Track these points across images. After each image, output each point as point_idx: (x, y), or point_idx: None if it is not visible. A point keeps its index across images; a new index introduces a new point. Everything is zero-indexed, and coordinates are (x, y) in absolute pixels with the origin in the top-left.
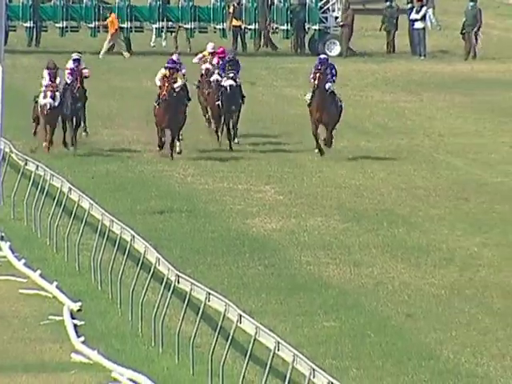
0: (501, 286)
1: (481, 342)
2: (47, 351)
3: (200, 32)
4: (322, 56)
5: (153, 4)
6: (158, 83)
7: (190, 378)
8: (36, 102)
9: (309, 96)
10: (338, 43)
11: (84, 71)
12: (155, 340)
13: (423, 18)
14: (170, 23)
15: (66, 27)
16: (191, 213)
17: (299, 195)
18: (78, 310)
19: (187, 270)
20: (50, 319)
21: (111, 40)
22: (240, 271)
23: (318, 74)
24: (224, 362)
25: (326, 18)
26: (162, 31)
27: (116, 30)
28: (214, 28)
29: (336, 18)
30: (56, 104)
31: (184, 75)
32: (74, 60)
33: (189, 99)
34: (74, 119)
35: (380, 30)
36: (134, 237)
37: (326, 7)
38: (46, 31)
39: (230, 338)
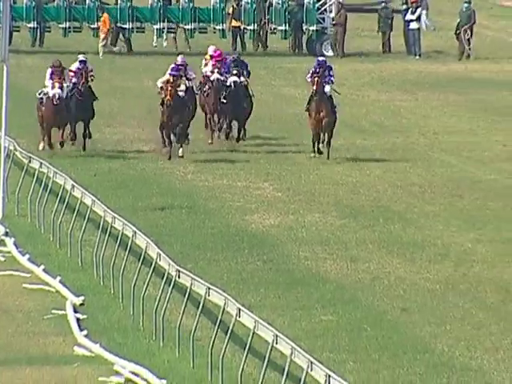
0: (494, 281)
1: (475, 336)
2: (51, 344)
3: (200, 32)
4: (321, 58)
5: (154, 5)
6: (160, 85)
7: (190, 371)
8: (41, 103)
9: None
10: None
11: (90, 73)
12: (156, 334)
13: (418, 19)
14: (171, 24)
15: (69, 28)
16: (191, 209)
17: (297, 192)
18: (81, 305)
19: (187, 265)
20: (53, 313)
21: (105, 39)
22: (239, 266)
23: (316, 79)
24: (223, 355)
25: (323, 19)
26: (162, 32)
27: (108, 29)
28: (214, 28)
29: (333, 19)
30: (64, 95)
31: (191, 79)
32: (80, 61)
33: (195, 104)
34: (81, 119)
35: (378, 31)
36: (135, 233)
37: (323, 8)
38: (49, 32)
39: (230, 331)
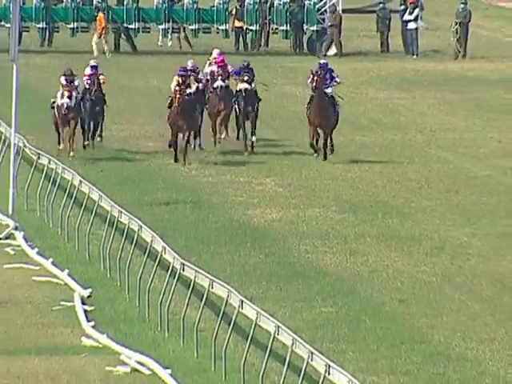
0: (489, 273)
1: (470, 327)
2: (59, 335)
3: (204, 32)
4: (322, 61)
5: (159, 6)
6: (173, 89)
7: (194, 361)
8: (53, 108)
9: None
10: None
11: (101, 77)
12: (161, 325)
13: (416, 19)
14: (176, 24)
15: (77, 28)
16: (195, 204)
17: (298, 187)
18: (88, 297)
19: (192, 259)
20: (61, 305)
21: (104, 38)
22: (242, 259)
23: (315, 78)
24: (227, 346)
25: (324, 20)
26: (167, 32)
27: (103, 28)
28: (217, 29)
29: (328, 20)
30: (72, 104)
31: (200, 81)
32: (92, 67)
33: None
34: (92, 123)
35: (376, 31)
36: (141, 227)
37: (323, 9)
38: (57, 32)
39: (233, 322)
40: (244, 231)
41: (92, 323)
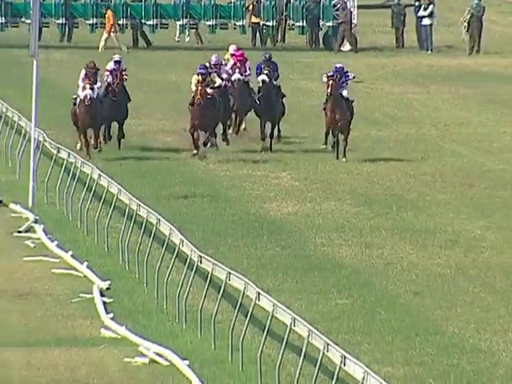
0: (503, 266)
1: (484, 319)
2: (78, 327)
3: (221, 28)
4: (338, 65)
5: (177, 2)
6: (194, 88)
7: (211, 352)
8: (74, 104)
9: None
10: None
11: (124, 73)
12: (179, 316)
13: (430, 15)
14: (193, 20)
15: (96, 24)
16: (213, 198)
17: (314, 181)
18: (107, 289)
19: (209, 251)
20: (80, 297)
21: (113, 34)
22: (258, 252)
23: (330, 82)
24: (243, 337)
25: (339, 15)
26: (185, 28)
27: (112, 25)
28: (234, 25)
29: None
30: (95, 95)
31: (224, 78)
32: (115, 61)
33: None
34: (115, 119)
35: (391, 27)
36: (159, 220)
37: (339, 5)
38: (77, 27)
39: (249, 314)
40: (261, 224)
41: (111, 315)
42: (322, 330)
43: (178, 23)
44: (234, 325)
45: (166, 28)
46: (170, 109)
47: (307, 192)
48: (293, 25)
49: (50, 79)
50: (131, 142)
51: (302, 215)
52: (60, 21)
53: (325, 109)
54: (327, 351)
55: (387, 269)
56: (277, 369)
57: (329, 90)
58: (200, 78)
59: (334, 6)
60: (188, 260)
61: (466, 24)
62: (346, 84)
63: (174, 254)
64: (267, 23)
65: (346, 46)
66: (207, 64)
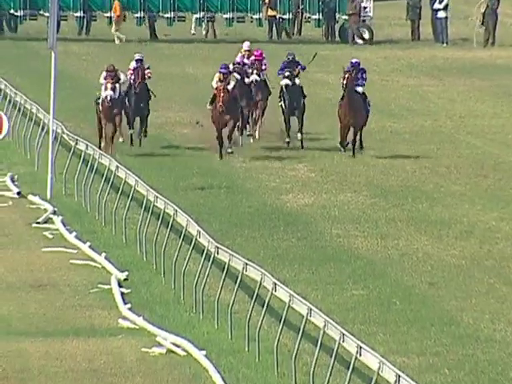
0: None
1: (498, 309)
2: (96, 317)
3: (238, 22)
4: (354, 60)
5: None
6: (215, 86)
7: (228, 342)
8: (97, 104)
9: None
10: (366, 32)
11: (146, 71)
12: (196, 307)
13: (445, 8)
14: (210, 13)
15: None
16: (230, 189)
17: (330, 173)
18: (125, 279)
19: (226, 242)
20: (99, 287)
21: (116, 26)
22: (275, 243)
23: (346, 75)
24: (260, 327)
25: (348, 8)
26: (202, 20)
27: (118, 16)
28: (251, 18)
29: (364, 8)
30: (116, 96)
31: (265, 69)
32: (137, 60)
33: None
34: (139, 119)
35: (406, 20)
36: (176, 211)
37: None
38: (95, 20)
39: (266, 305)
40: (277, 216)
41: (128, 305)
42: (338, 320)
43: (195, 16)
44: (250, 315)
45: (184, 21)
46: (188, 101)
47: (323, 183)
48: (309, 17)
49: (68, 72)
50: (149, 133)
51: (318, 206)
52: (78, 14)
53: (340, 105)
54: (343, 341)
55: (403, 260)
56: (293, 359)
57: (344, 82)
58: (221, 76)
59: None
60: (205, 251)
61: (480, 17)
62: (364, 80)
63: (191, 245)
64: (283, 16)
65: (363, 38)
66: (238, 58)
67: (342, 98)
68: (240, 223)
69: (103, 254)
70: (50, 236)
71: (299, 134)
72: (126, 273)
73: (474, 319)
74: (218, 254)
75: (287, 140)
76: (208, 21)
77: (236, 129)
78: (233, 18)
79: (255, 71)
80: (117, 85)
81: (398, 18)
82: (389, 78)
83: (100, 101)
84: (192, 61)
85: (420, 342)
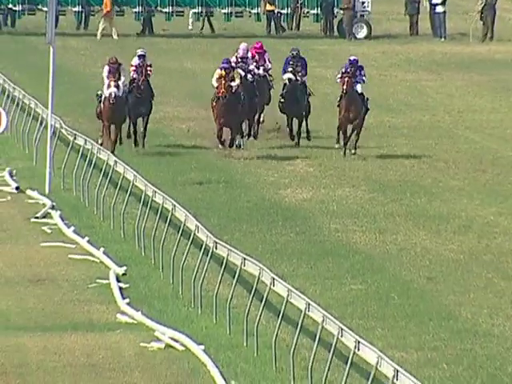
0: None
1: (497, 304)
2: (95, 312)
3: (236, 16)
4: (352, 58)
5: None
6: (215, 84)
7: (226, 337)
8: (100, 102)
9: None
10: (365, 26)
11: (148, 68)
12: (194, 302)
13: (444, 3)
14: (208, 8)
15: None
16: (228, 184)
17: (328, 167)
18: (123, 274)
19: (224, 237)
20: (97, 282)
21: (105, 22)
22: (273, 238)
23: (346, 79)
24: (258, 322)
25: (342, 1)
26: (200, 15)
27: (108, 11)
28: (249, 12)
29: (363, 2)
30: (120, 94)
31: (269, 66)
32: (139, 56)
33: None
34: (141, 117)
35: (405, 14)
36: (174, 206)
37: None
38: (93, 15)
39: (264, 299)
40: (275, 210)
41: (127, 300)
42: (336, 315)
43: (193, 11)
44: (249, 310)
45: (182, 16)
46: (186, 96)
47: (322, 178)
48: (307, 12)
49: (66, 66)
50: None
51: (317, 201)
52: (76, 8)
53: (339, 105)
54: (341, 336)
55: (401, 254)
56: (291, 353)
57: (345, 87)
58: (223, 72)
59: None
60: (203, 246)
61: (479, 13)
62: (362, 77)
63: (190, 240)
64: (282, 11)
65: (361, 33)
66: (232, 58)
67: (340, 99)
68: (238, 218)
69: (101, 249)
70: (49, 231)
71: (307, 134)
72: (125, 267)
73: (473, 314)
74: (216, 248)
75: (295, 142)
76: (205, 16)
77: (240, 130)
78: (231, 12)
79: (254, 64)
80: (120, 82)
81: (396, 13)
82: (387, 73)
83: (102, 98)
84: (190, 55)
85: (418, 337)
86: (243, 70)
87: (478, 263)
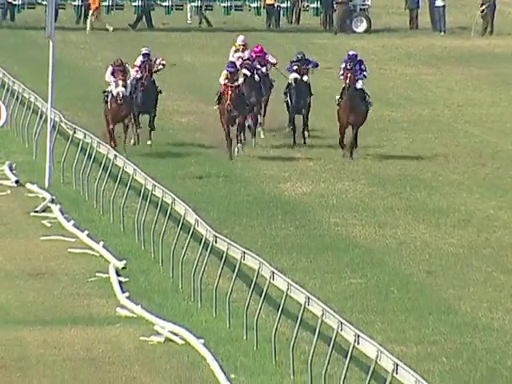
0: None
1: (496, 298)
2: (94, 306)
3: (236, 10)
4: (351, 52)
5: None
6: (222, 83)
7: (226, 331)
8: (106, 102)
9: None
10: (364, 20)
11: (158, 61)
12: (194, 295)
13: None
14: (208, 2)
15: (112, 5)
16: (228, 178)
17: (328, 161)
18: (123, 268)
19: (224, 231)
20: (97, 276)
21: (93, 16)
22: (273, 232)
23: (349, 75)
24: (258, 316)
25: None
26: (200, 9)
27: (97, 7)
28: (249, 6)
29: None
30: (128, 93)
31: (275, 64)
32: (144, 55)
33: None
34: (146, 112)
35: (405, 8)
36: (174, 200)
37: None
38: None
39: (264, 293)
40: (275, 204)
41: (127, 294)
42: (336, 308)
43: (193, 4)
44: (248, 304)
45: (182, 9)
46: (185, 90)
47: (321, 172)
48: (307, 6)
49: (66, 60)
50: (146, 122)
51: (316, 195)
52: (76, 2)
53: (339, 104)
54: (341, 330)
55: (400, 248)
56: (291, 347)
57: (348, 82)
58: (229, 74)
59: None
60: (203, 239)
61: (481, 9)
62: (363, 72)
63: (189, 234)
64: (282, 4)
65: (361, 27)
66: (238, 59)
67: (340, 97)
68: (238, 212)
69: (101, 243)
70: (48, 225)
71: (306, 132)
72: (124, 261)
73: (472, 308)
74: (216, 242)
75: (293, 141)
76: (201, 9)
77: (248, 129)
78: (231, 6)
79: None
80: (128, 81)
81: (396, 7)
82: (387, 67)
83: (109, 98)
84: (190, 49)
85: (418, 331)
86: (249, 70)
87: (478, 257)
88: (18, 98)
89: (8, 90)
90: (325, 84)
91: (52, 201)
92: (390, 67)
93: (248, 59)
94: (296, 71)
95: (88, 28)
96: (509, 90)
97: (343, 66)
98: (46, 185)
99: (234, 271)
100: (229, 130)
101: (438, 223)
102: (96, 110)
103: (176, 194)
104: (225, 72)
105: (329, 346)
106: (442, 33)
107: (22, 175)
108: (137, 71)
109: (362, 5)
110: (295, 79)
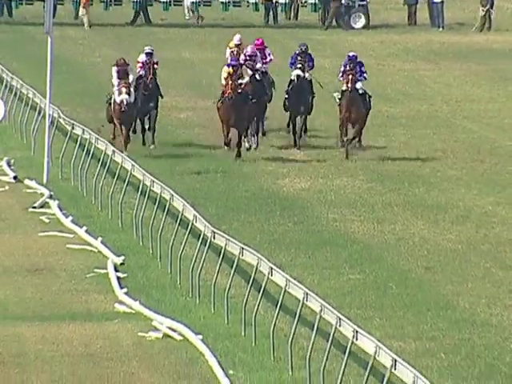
0: None
1: (495, 294)
2: (93, 301)
3: (234, 6)
4: (351, 53)
5: None
6: (224, 82)
7: (224, 327)
8: (109, 104)
9: (338, 94)
10: (363, 16)
11: (155, 66)
12: (192, 291)
13: None
14: None
15: (110, 1)
16: (226, 173)
17: (326, 157)
18: (121, 264)
19: (222, 227)
20: (95, 272)
21: (84, 10)
22: (271, 228)
23: (350, 76)
24: (256, 312)
25: None
26: (199, 5)
27: (87, 0)
28: (247, 2)
29: None
30: (132, 100)
31: (270, 60)
32: (147, 53)
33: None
34: (149, 115)
35: (403, 4)
36: (172, 196)
37: None
38: (91, 5)
39: (262, 289)
40: (273, 200)
41: (125, 290)
42: (334, 304)
43: (191, 0)
44: (247, 299)
45: (180, 5)
46: (184, 86)
47: (320, 168)
48: (305, 2)
49: (64, 56)
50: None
51: (315, 191)
52: None
53: (340, 105)
54: (339, 326)
55: (399, 244)
56: (289, 343)
57: (349, 85)
58: (231, 69)
59: None
60: (201, 235)
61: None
62: (363, 73)
63: (188, 230)
64: (280, 0)
65: (359, 23)
66: (241, 56)
67: (341, 98)
68: (236, 208)
69: (99, 239)
70: (47, 220)
71: (302, 134)
72: (123, 257)
73: (471, 304)
74: (214, 238)
75: (293, 143)
76: (196, 6)
77: (250, 130)
78: (229, 2)
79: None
80: (131, 88)
81: (394, 3)
82: (385, 63)
83: (112, 101)
84: (188, 45)
85: (416, 327)
86: (251, 69)
87: (476, 253)
88: (16, 93)
89: (6, 85)
90: (323, 80)
91: (50, 196)
92: (389, 63)
93: (250, 56)
94: (299, 68)
95: (86, 24)
96: (507, 86)
97: (343, 68)
98: (45, 180)
99: (232, 267)
100: (228, 130)
101: (437, 219)
102: (95, 105)
103: (174, 189)
104: (226, 68)
105: (327, 341)
106: (441, 28)
107: (20, 171)
108: (140, 67)
109: (361, 0)
110: (298, 76)
